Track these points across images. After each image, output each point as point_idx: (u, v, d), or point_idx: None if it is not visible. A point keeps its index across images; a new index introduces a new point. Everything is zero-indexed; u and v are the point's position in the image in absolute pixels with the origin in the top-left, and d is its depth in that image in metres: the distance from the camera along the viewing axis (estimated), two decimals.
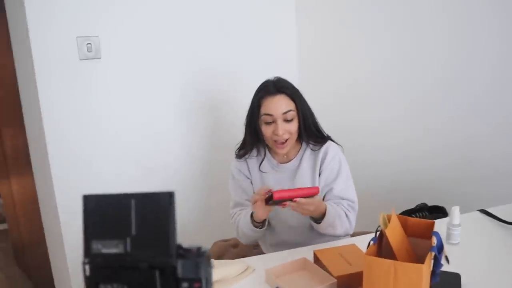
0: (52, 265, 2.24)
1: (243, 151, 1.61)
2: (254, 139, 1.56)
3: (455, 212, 1.39)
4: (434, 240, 0.99)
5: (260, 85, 1.53)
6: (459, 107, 2.03)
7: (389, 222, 1.02)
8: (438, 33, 2.02)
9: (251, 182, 1.62)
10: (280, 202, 1.29)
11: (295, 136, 1.51)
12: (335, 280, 1.15)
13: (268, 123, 1.48)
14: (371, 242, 1.01)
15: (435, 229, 1.08)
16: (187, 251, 0.38)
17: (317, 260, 1.29)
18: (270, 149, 1.60)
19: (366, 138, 2.38)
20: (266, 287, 1.21)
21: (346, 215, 1.48)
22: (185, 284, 0.37)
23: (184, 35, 2.03)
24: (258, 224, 1.46)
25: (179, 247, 0.38)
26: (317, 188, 1.36)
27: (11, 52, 1.99)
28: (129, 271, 0.38)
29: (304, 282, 1.20)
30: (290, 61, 2.41)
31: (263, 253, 1.69)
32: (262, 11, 2.27)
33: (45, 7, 1.66)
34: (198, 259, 0.37)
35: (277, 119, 1.45)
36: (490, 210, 1.63)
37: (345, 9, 2.33)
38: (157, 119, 2.02)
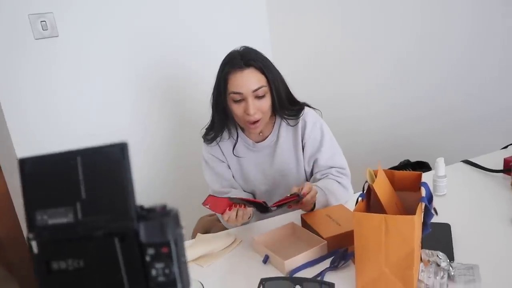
0: None
1: (212, 134, 1.44)
2: (223, 119, 1.40)
3: (440, 164, 1.37)
4: (423, 191, 0.96)
5: (225, 58, 1.35)
6: (440, 60, 2.00)
7: (376, 177, 0.98)
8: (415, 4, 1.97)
9: (228, 166, 1.49)
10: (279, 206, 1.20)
11: (268, 113, 1.37)
12: (325, 241, 1.11)
13: (237, 102, 1.32)
14: (359, 199, 0.97)
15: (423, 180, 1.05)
16: (150, 211, 0.32)
17: (305, 224, 1.25)
18: (242, 129, 1.46)
19: (344, 107, 2.33)
20: (256, 256, 1.16)
21: (339, 182, 1.41)
22: (150, 250, 0.31)
23: (145, 7, 1.91)
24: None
25: (140, 207, 0.32)
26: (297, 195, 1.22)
27: None
28: (83, 242, 0.31)
29: (294, 247, 1.16)
30: (261, 26, 2.32)
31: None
32: None
33: None
34: (164, 219, 0.31)
35: (248, 97, 1.30)
36: (473, 160, 1.61)
37: None
38: (121, 96, 1.92)
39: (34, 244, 0.32)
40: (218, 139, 1.44)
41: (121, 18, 1.84)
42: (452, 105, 2.01)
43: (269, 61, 1.36)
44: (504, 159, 1.48)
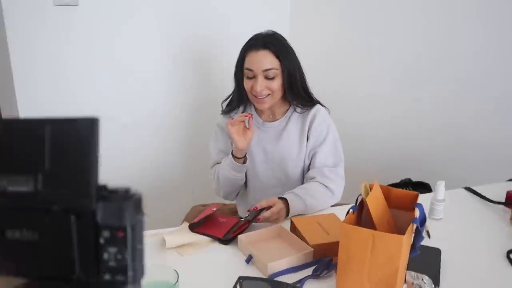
0: None
1: (229, 107, 1.56)
2: (241, 95, 1.51)
3: (440, 187, 1.34)
4: (417, 212, 0.93)
5: (250, 38, 1.46)
6: (450, 88, 1.97)
7: (371, 191, 0.96)
8: (429, 7, 1.94)
9: (231, 141, 1.55)
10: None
11: (277, 94, 1.45)
12: (311, 249, 1.09)
13: (249, 78, 1.43)
14: (351, 211, 0.94)
15: (419, 201, 1.03)
16: (112, 192, 0.30)
17: (294, 228, 1.23)
18: (256, 108, 1.54)
19: (356, 109, 2.31)
20: (239, 255, 1.15)
21: (326, 187, 1.43)
22: (106, 233, 0.29)
23: None
24: (239, 159, 1.43)
25: (103, 187, 0.30)
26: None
27: None
28: (40, 214, 0.30)
29: (279, 250, 1.14)
30: (283, 22, 2.28)
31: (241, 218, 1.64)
32: None
33: None
34: (124, 203, 0.30)
35: (258, 75, 1.40)
36: (475, 188, 1.58)
37: None
38: (139, 73, 1.91)
39: None
40: (233, 112, 1.55)
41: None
42: (464, 127, 1.97)
43: (291, 49, 1.46)
44: (507, 191, 1.45)
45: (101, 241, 0.29)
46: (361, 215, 1.02)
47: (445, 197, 1.36)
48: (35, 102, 1.69)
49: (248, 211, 1.32)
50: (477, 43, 1.85)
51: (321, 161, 1.48)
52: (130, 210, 0.30)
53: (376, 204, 0.95)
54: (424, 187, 2.00)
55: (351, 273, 0.89)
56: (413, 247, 0.93)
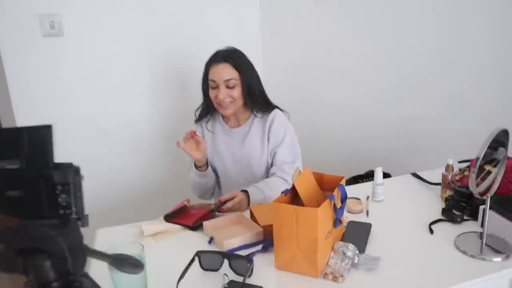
0: None
1: (199, 115, 1.81)
2: (207, 103, 1.76)
3: (378, 172, 1.56)
4: (336, 191, 1.16)
5: (212, 54, 1.69)
6: (401, 88, 2.22)
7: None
8: (385, 15, 2.18)
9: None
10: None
11: (238, 101, 1.68)
12: (261, 229, 1.32)
13: (213, 88, 1.66)
14: (283, 194, 1.17)
15: (361, 191, 1.27)
16: (62, 165, 0.54)
17: (252, 215, 1.45)
18: (223, 116, 1.78)
19: (323, 113, 2.54)
20: (204, 238, 1.37)
21: (285, 179, 1.66)
22: (59, 187, 0.52)
23: (146, 9, 2.13)
24: (200, 167, 1.69)
25: (57, 164, 0.54)
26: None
27: None
28: (24, 180, 0.53)
29: (237, 232, 1.36)
30: (253, 39, 2.52)
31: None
32: None
33: None
34: (68, 170, 0.53)
35: (220, 85, 1.63)
36: (421, 173, 1.80)
37: None
38: (122, 91, 2.15)
39: None
40: (203, 120, 1.80)
41: (123, 20, 2.07)
42: (413, 130, 2.21)
43: (248, 62, 1.70)
44: (442, 173, 1.67)
45: (57, 191, 0.52)
46: (299, 199, 1.24)
47: (393, 183, 1.60)
48: (33, 116, 1.94)
49: (214, 204, 1.55)
50: (424, 45, 2.09)
51: (281, 159, 1.71)
52: (71, 173, 0.53)
53: (305, 186, 1.18)
54: (386, 176, 2.22)
55: (283, 243, 1.12)
56: (335, 220, 1.16)
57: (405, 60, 2.19)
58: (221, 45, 1.71)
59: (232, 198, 1.51)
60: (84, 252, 0.56)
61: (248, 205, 1.55)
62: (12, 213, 0.54)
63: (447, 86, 2.10)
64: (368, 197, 1.61)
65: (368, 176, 2.27)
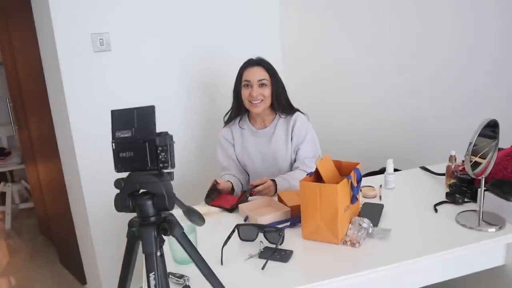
0: (76, 231, 2.63)
1: (228, 118, 2.03)
2: (238, 104, 1.98)
3: (389, 163, 1.79)
4: (353, 173, 1.39)
5: (245, 61, 1.97)
6: (408, 90, 2.43)
7: None
8: (389, 22, 2.42)
9: (234, 148, 2.04)
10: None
11: (268, 100, 1.92)
12: (289, 208, 1.54)
13: (246, 87, 1.91)
14: (308, 175, 1.40)
15: (375, 180, 1.53)
16: (160, 133, 0.78)
17: (280, 199, 1.68)
18: (250, 119, 2.02)
19: (339, 118, 2.77)
20: (240, 218, 1.60)
21: (305, 171, 1.86)
22: (159, 148, 0.77)
23: (181, 26, 2.43)
24: None
25: (157, 133, 0.78)
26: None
27: (38, 49, 2.39)
28: (133, 144, 0.78)
29: (268, 212, 1.59)
30: (275, 49, 2.79)
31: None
32: (249, 4, 2.67)
33: (65, 8, 2.07)
34: (166, 136, 0.78)
35: (254, 84, 1.88)
36: (428, 166, 2.01)
37: None
38: (159, 98, 2.42)
39: (113, 144, 0.79)
40: (232, 122, 2.02)
41: (161, 34, 2.37)
42: (422, 128, 2.42)
43: (275, 70, 1.96)
44: (447, 165, 1.88)
45: (159, 150, 0.77)
46: (321, 181, 1.47)
47: (403, 175, 1.83)
48: (86, 127, 2.22)
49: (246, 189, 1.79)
50: (438, 45, 2.31)
51: (303, 154, 1.94)
52: (168, 138, 0.78)
53: (326, 170, 1.41)
54: (396, 171, 2.43)
55: (309, 216, 1.34)
56: (352, 196, 1.38)
57: (415, 63, 2.41)
58: (245, 56, 1.97)
59: (263, 184, 1.74)
60: (173, 196, 0.81)
61: (275, 192, 1.78)
62: (124, 169, 0.79)
63: (454, 86, 2.30)
64: (381, 185, 1.82)
65: (382, 172, 2.47)
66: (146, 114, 0.78)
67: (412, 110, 2.47)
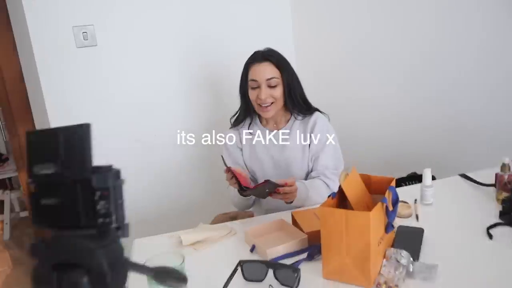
0: None
1: (236, 121, 1.73)
2: (246, 106, 1.68)
3: (426, 174, 1.46)
4: (388, 194, 1.08)
5: (251, 55, 1.64)
6: (446, 81, 2.09)
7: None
8: (427, 8, 2.07)
9: (242, 152, 1.74)
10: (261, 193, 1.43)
11: (279, 102, 1.61)
12: (306, 236, 1.24)
13: (253, 88, 1.59)
14: (330, 197, 1.10)
15: (408, 193, 1.17)
16: (100, 168, 0.49)
17: (294, 221, 1.38)
18: (261, 119, 1.72)
19: (358, 112, 2.45)
20: (246, 246, 1.31)
21: (327, 185, 1.58)
22: (98, 193, 0.47)
23: (179, 15, 2.12)
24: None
25: (95, 167, 0.49)
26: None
27: (16, 51, 2.13)
28: (59, 185, 0.49)
29: (279, 239, 1.30)
30: (286, 39, 2.47)
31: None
32: None
33: (41, 1, 1.79)
34: (107, 173, 0.48)
35: (261, 84, 1.57)
36: (470, 174, 1.68)
37: None
38: (156, 98, 2.13)
39: (32, 186, 0.50)
40: (241, 125, 1.73)
41: (153, 27, 2.07)
42: (467, 122, 2.07)
43: (287, 62, 1.63)
44: (496, 174, 1.55)
45: (95, 198, 0.47)
46: (345, 202, 1.16)
47: (440, 185, 1.49)
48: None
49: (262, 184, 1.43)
50: (470, 40, 1.97)
51: (323, 164, 1.63)
52: (111, 177, 0.48)
53: (352, 188, 1.10)
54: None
55: (332, 250, 1.04)
56: (388, 224, 1.07)
57: (449, 57, 2.07)
58: (253, 47, 1.66)
59: (290, 186, 1.41)
60: (125, 266, 0.51)
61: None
62: (47, 224, 0.49)
63: (494, 80, 1.96)
64: (415, 200, 1.51)
65: (411, 179, 2.15)
66: (77, 138, 0.49)
67: (447, 105, 2.13)
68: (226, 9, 2.23)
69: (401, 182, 2.16)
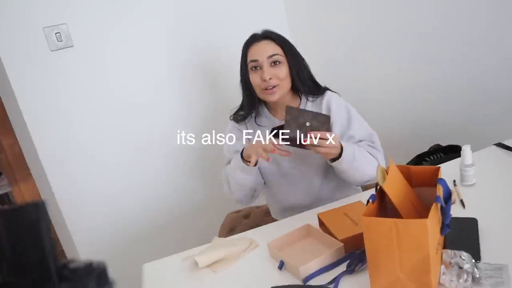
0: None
1: (242, 113, 1.51)
2: (249, 96, 1.47)
3: (466, 152, 1.28)
4: (440, 189, 0.89)
5: (249, 36, 1.46)
6: (462, 42, 1.88)
7: (387, 175, 0.92)
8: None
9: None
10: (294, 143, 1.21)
11: (286, 83, 1.40)
12: (341, 244, 1.07)
13: (255, 70, 1.40)
14: (370, 201, 0.91)
15: (442, 174, 0.98)
16: (73, 271, 0.30)
17: (321, 224, 1.21)
18: (270, 109, 1.51)
19: (369, 90, 2.23)
20: (272, 262, 1.14)
21: (370, 153, 1.37)
22: None
23: (166, 5, 1.88)
24: (249, 162, 1.35)
25: (63, 266, 0.30)
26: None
27: None
28: None
29: (310, 250, 1.12)
30: (281, 21, 2.22)
31: (274, 220, 1.62)
32: None
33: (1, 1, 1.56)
34: (86, 280, 0.29)
35: (263, 63, 1.37)
36: (506, 142, 1.50)
37: None
38: (146, 99, 1.91)
39: None
40: (248, 119, 1.51)
41: (133, 22, 1.82)
42: (487, 85, 1.87)
43: (289, 41, 1.44)
44: None
45: None
46: (383, 202, 0.98)
47: (476, 159, 1.29)
48: (49, 140, 1.76)
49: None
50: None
51: (356, 140, 1.41)
52: (93, 284, 0.29)
53: (395, 187, 0.92)
54: (455, 150, 1.92)
55: (381, 264, 0.87)
56: (443, 226, 0.89)
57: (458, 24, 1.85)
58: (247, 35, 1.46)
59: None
60: None
61: (338, 158, 1.27)
62: None
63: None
64: (454, 181, 1.33)
65: (435, 152, 1.97)
66: (27, 225, 0.29)
67: (459, 68, 1.92)
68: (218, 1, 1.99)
69: (424, 157, 1.98)
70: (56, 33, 1.68)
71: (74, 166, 1.82)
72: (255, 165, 1.36)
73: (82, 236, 1.87)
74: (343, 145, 1.26)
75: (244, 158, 1.36)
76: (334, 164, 1.30)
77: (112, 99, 1.83)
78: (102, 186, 1.89)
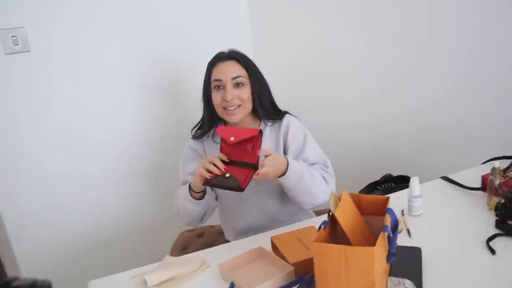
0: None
1: (200, 131, 1.52)
2: (210, 113, 1.49)
3: (414, 183, 1.34)
4: (388, 219, 0.93)
5: (214, 55, 1.47)
6: (415, 75, 2.00)
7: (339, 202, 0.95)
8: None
9: None
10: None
11: (247, 105, 1.43)
12: (292, 268, 1.08)
13: (217, 90, 1.41)
14: (322, 227, 0.93)
15: (392, 203, 1.03)
16: None
17: (274, 247, 1.22)
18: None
19: (327, 115, 2.29)
20: (222, 283, 1.13)
21: (323, 176, 1.39)
22: None
23: (129, 13, 1.85)
24: (197, 193, 1.36)
25: (5, 285, 0.29)
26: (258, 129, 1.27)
27: None
28: None
29: (261, 272, 1.13)
30: (244, 34, 2.26)
31: (227, 241, 1.61)
32: None
33: None
34: None
35: (227, 84, 1.39)
36: (451, 176, 1.59)
37: None
38: (106, 108, 1.86)
39: None
40: (205, 136, 1.52)
41: (104, 25, 1.80)
42: (437, 120, 1.99)
43: (254, 64, 1.47)
44: (482, 176, 1.46)
45: None
46: (336, 228, 1.01)
47: (422, 190, 1.36)
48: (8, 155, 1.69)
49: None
50: (449, 29, 1.88)
51: (310, 163, 1.44)
52: None
53: (346, 215, 0.94)
54: (405, 180, 2.01)
55: None
56: (389, 254, 0.93)
57: (407, 54, 1.97)
58: (210, 50, 1.48)
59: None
60: None
61: (280, 175, 1.28)
62: None
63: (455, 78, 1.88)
64: (402, 210, 1.39)
65: (387, 181, 2.05)
66: None
67: (416, 101, 2.04)
68: (180, 9, 1.99)
69: (376, 185, 2.06)
70: (12, 36, 1.62)
71: (21, 175, 1.74)
72: (203, 197, 1.37)
73: (24, 251, 1.78)
74: (289, 161, 1.29)
75: (193, 190, 1.36)
76: (280, 180, 1.31)
77: (67, 108, 1.78)
78: (49, 197, 1.81)
